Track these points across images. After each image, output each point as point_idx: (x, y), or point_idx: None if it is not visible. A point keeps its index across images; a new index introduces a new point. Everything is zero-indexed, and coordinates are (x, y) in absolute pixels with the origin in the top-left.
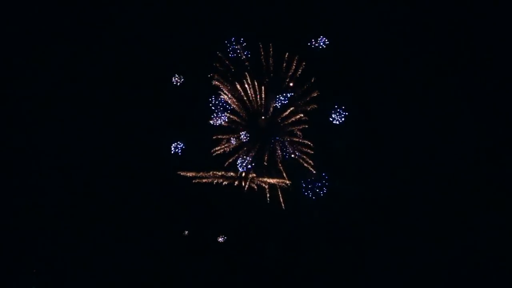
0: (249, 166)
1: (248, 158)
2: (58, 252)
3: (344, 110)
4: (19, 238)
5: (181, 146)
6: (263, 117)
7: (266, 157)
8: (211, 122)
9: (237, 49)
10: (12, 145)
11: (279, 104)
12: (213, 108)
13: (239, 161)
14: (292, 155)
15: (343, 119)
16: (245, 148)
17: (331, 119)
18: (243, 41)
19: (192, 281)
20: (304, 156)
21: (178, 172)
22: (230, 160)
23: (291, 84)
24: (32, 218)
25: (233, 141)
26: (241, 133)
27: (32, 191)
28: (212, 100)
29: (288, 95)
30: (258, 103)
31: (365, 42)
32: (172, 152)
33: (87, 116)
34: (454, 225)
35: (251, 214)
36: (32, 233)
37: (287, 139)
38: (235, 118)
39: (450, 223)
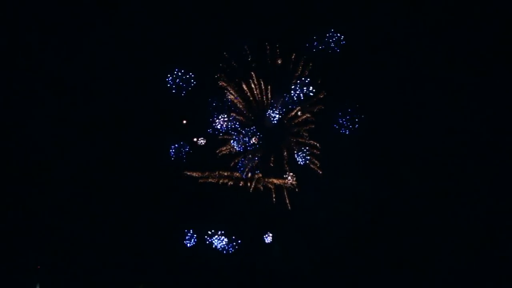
0: (257, 171)
1: (255, 158)
2: (62, 250)
3: (351, 120)
4: (23, 236)
5: (187, 149)
6: (269, 112)
7: (272, 158)
8: (217, 122)
9: (244, 49)
10: (14, 144)
11: (282, 112)
12: (217, 109)
13: (240, 163)
14: (301, 162)
15: (356, 125)
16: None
17: (336, 126)
18: (249, 41)
19: (195, 281)
20: (311, 157)
21: (184, 172)
22: (236, 160)
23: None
24: (36, 216)
25: (237, 146)
26: (247, 130)
27: (37, 190)
28: (215, 101)
29: (296, 95)
30: (264, 103)
31: (371, 42)
32: (177, 154)
33: (88, 116)
34: (459, 225)
35: (256, 214)
36: (36, 230)
37: (293, 140)
38: (242, 118)
39: (455, 223)
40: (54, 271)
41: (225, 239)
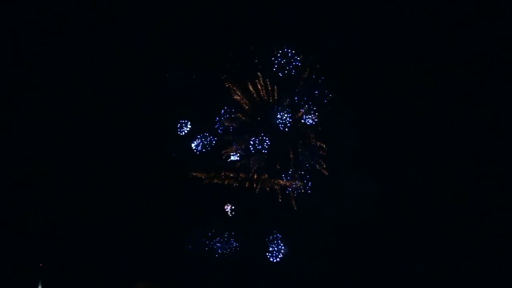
0: (263, 172)
1: (260, 160)
2: (65, 248)
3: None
4: (25, 234)
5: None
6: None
7: (278, 159)
8: (223, 123)
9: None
10: (15, 144)
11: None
12: (225, 109)
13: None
14: (307, 165)
15: None
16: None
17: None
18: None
19: (200, 283)
20: (317, 159)
21: (190, 173)
22: (242, 162)
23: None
24: (39, 214)
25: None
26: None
27: (39, 188)
28: (223, 101)
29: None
30: (270, 104)
31: (375, 41)
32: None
33: (92, 116)
34: (465, 226)
35: (262, 215)
36: (38, 229)
37: (299, 141)
38: (248, 119)
39: (461, 224)
40: (56, 270)
41: (234, 243)
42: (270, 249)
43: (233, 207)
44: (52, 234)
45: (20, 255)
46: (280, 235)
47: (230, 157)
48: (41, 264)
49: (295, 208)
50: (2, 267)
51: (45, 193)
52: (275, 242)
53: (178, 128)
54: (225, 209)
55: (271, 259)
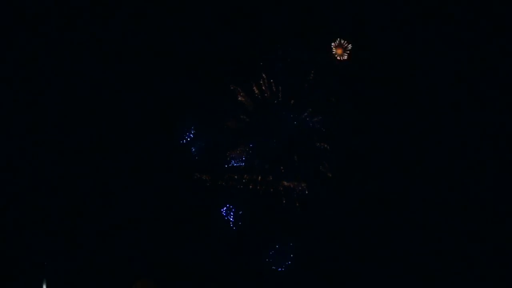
0: (267, 173)
1: (264, 161)
2: (69, 247)
3: None
4: (29, 232)
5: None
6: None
7: (282, 161)
8: (227, 125)
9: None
10: (17, 143)
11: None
12: (228, 110)
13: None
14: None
15: None
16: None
17: None
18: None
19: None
20: (321, 160)
21: (194, 174)
22: (246, 163)
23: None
24: (43, 213)
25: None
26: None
27: (42, 188)
28: (227, 102)
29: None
30: (275, 106)
31: (378, 42)
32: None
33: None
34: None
35: (265, 216)
36: (43, 227)
37: (304, 143)
38: (252, 120)
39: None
40: (61, 268)
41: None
42: (272, 253)
43: (239, 212)
44: (55, 233)
45: (24, 255)
46: (286, 239)
47: (233, 161)
48: (45, 263)
49: (299, 210)
50: (5, 266)
51: (47, 193)
52: (280, 247)
53: (180, 132)
54: (226, 213)
55: (274, 267)
